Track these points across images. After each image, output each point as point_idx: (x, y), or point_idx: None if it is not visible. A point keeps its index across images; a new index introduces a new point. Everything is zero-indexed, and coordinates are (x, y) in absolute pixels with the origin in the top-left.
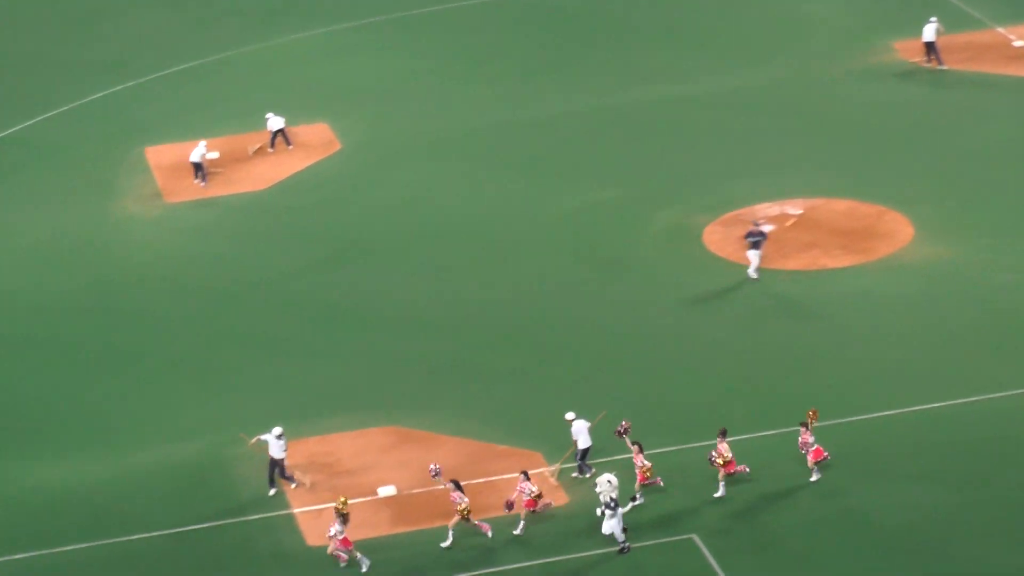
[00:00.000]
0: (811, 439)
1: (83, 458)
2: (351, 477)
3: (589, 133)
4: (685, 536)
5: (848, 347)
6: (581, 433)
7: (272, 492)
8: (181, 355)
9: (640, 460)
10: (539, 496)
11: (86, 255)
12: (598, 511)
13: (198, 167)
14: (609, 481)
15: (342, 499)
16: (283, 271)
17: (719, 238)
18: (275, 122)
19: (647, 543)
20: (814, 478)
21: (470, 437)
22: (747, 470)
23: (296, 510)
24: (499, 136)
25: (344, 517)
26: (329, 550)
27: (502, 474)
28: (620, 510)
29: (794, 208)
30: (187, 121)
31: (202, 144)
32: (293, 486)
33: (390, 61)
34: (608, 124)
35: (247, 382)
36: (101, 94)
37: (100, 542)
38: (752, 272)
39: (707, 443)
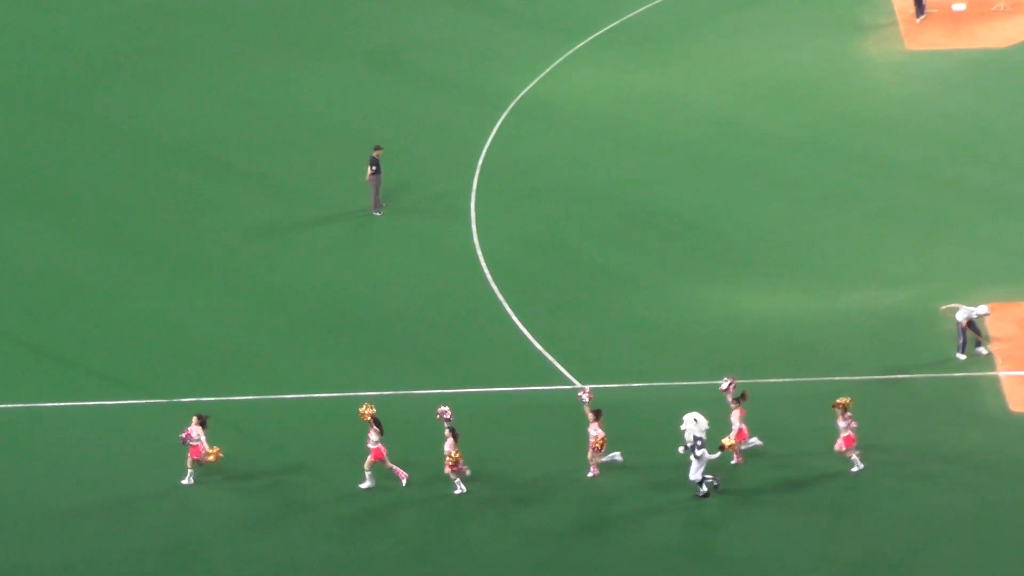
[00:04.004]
0: None
1: (789, 292)
2: None
3: None
4: None
5: None
6: None
7: (962, 358)
8: (902, 201)
9: (594, 429)
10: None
11: (819, 91)
12: (679, 450)
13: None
14: (696, 420)
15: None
16: (1009, 129)
17: None
18: None
19: None
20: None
21: None
22: None
23: (1001, 373)
24: None
25: (379, 425)
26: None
27: None
28: (700, 453)
29: None
30: None
31: None
32: (983, 352)
33: None
34: None
35: (965, 237)
36: None
37: (796, 379)
38: None
39: None
